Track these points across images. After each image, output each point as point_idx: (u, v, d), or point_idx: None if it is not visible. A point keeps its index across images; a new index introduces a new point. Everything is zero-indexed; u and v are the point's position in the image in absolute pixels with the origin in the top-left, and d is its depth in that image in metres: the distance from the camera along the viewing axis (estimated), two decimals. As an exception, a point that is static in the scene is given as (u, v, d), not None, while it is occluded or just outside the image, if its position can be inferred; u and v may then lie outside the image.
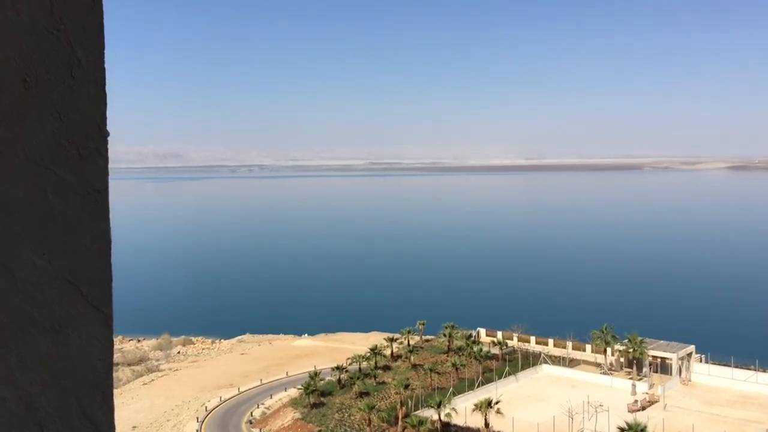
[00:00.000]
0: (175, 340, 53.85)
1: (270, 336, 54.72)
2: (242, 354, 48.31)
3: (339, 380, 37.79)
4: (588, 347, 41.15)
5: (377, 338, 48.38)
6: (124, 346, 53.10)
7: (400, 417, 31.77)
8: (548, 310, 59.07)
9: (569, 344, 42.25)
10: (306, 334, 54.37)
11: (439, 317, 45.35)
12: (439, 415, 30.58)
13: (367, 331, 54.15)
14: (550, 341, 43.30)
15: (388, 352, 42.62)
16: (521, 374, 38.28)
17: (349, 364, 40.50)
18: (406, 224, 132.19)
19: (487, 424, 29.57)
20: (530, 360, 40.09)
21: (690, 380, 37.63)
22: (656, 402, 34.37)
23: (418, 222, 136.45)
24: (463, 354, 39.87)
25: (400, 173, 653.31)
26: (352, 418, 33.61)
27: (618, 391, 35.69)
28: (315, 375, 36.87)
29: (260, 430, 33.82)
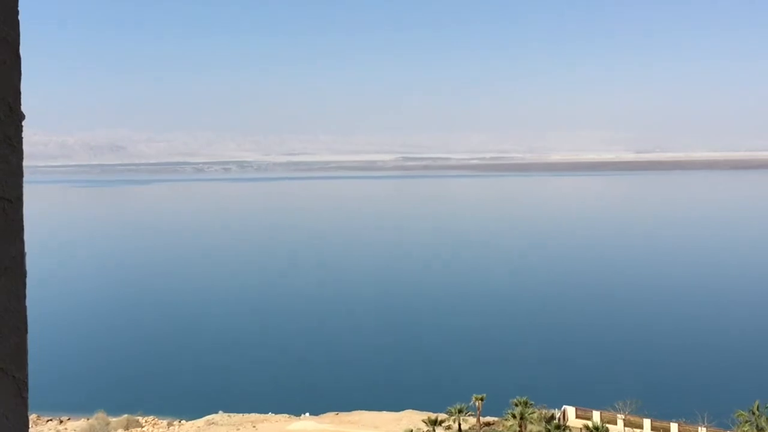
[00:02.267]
0: (114, 420, 53.65)
1: (253, 416, 54.60)
2: (213, 442, 47.58)
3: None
4: (732, 436, 40.96)
5: (412, 419, 48.48)
6: (40, 429, 52.80)
7: None
8: (671, 379, 58.09)
9: (702, 431, 41.69)
10: (307, 413, 54.43)
11: (505, 389, 44.76)
12: None
13: (397, 410, 54.02)
14: (674, 426, 42.85)
15: (429, 440, 42.16)
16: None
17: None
18: (455, 249, 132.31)
19: None
20: (644, 455, 39.37)
21: None
22: None
23: (473, 246, 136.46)
24: (541, 445, 38.93)
25: (447, 173, 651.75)
26: None
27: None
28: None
29: None
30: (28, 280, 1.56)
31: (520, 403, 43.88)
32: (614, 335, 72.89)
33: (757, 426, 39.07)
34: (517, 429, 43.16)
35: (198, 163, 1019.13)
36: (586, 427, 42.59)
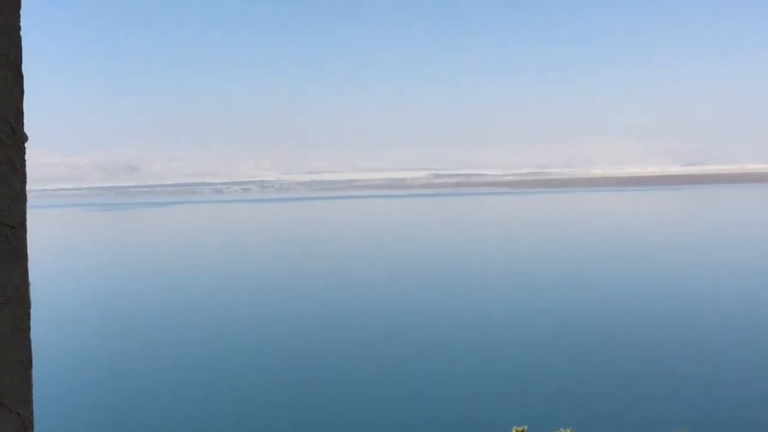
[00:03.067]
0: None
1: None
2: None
3: None
4: None
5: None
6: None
7: None
8: (731, 410, 55.42)
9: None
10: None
11: (550, 420, 41.73)
12: None
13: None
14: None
15: None
16: None
17: None
18: (502, 274, 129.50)
19: None
20: None
21: None
22: None
23: (514, 271, 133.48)
24: None
25: (482, 190, 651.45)
26: None
27: None
28: None
29: None
30: (34, 311, 1.51)
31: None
32: (676, 364, 69.64)
33: None
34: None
35: (216, 184, 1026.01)
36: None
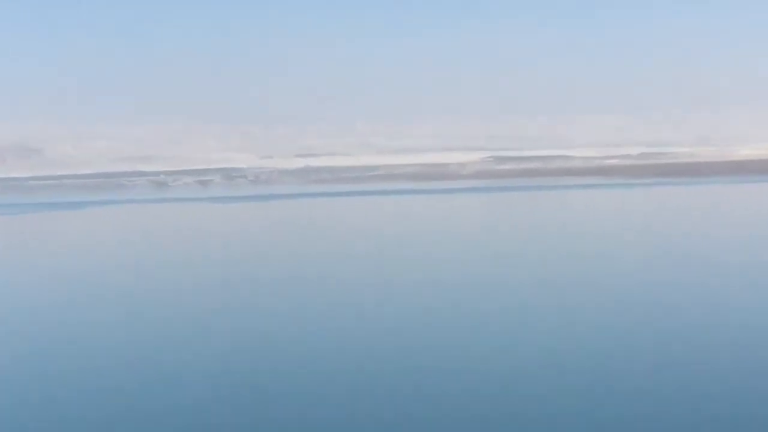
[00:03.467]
0: None
1: None
2: None
3: None
4: None
5: None
6: None
7: None
8: None
9: None
10: None
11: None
12: None
13: None
14: None
15: None
16: None
17: None
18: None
19: None
20: None
21: None
22: None
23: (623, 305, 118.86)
24: None
25: (570, 181, 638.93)
26: None
27: None
28: None
29: None
30: None
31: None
32: None
33: None
34: None
35: (158, 173, 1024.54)
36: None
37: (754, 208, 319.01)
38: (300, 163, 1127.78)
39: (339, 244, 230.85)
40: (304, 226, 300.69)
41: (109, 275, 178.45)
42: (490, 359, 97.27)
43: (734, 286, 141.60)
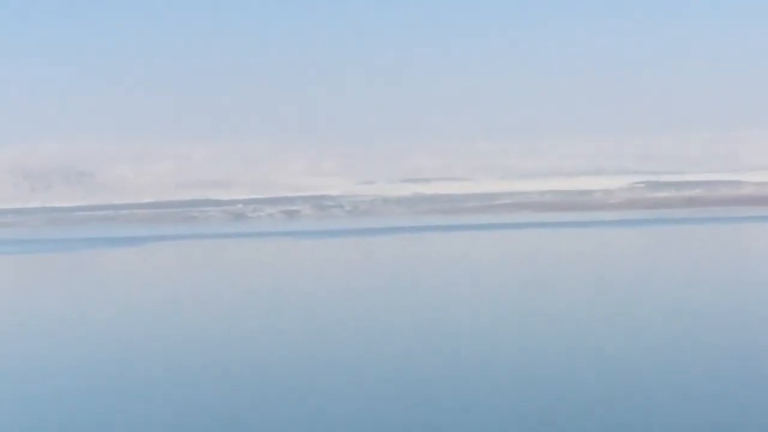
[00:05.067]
0: None
1: None
2: None
3: None
4: None
5: None
6: None
7: None
8: None
9: None
10: None
11: None
12: None
13: None
14: None
15: None
16: None
17: None
18: None
19: None
20: None
21: None
22: None
23: None
24: None
25: (748, 211, 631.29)
26: None
27: None
28: None
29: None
30: None
31: None
32: None
33: None
34: None
35: (235, 202, 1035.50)
36: None
37: None
38: (408, 189, 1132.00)
39: (454, 289, 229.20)
40: (414, 267, 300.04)
41: (177, 326, 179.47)
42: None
43: None
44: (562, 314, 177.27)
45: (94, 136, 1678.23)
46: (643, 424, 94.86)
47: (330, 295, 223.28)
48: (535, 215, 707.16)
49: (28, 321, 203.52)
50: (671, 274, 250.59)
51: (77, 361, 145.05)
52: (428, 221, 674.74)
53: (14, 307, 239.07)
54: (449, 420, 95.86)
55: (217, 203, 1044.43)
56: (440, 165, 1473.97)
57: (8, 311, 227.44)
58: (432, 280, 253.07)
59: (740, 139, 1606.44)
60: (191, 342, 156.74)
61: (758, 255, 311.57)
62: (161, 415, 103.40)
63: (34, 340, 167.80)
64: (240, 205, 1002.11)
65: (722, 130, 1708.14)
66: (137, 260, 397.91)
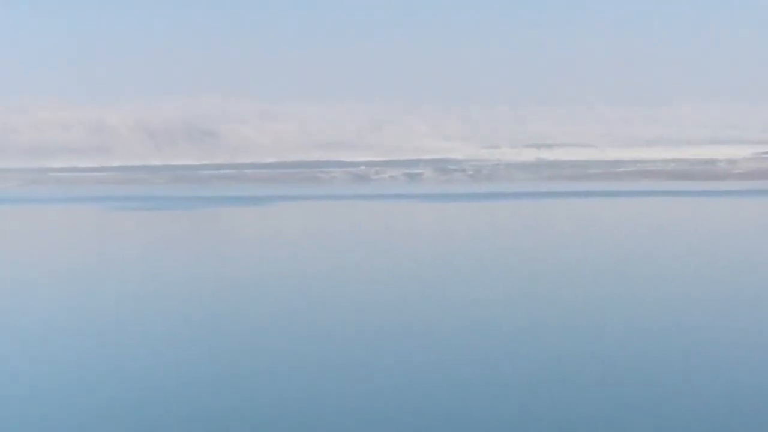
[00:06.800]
0: None
1: None
2: None
3: None
4: None
5: None
6: None
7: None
8: None
9: None
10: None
11: None
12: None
13: None
14: None
15: None
16: None
17: None
18: None
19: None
20: None
21: None
22: None
23: None
24: None
25: None
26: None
27: None
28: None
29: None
30: None
31: None
32: None
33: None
34: None
35: (358, 164, 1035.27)
36: None
37: None
38: (531, 155, 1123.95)
39: (576, 256, 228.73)
40: (536, 232, 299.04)
41: (297, 285, 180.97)
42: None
43: None
44: (677, 290, 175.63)
45: (217, 95, 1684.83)
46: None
47: (445, 261, 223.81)
48: (658, 183, 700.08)
49: (154, 279, 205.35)
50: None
51: (200, 323, 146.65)
52: (550, 187, 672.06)
53: (139, 265, 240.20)
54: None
55: (340, 164, 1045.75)
56: (564, 131, 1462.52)
57: (133, 269, 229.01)
58: (549, 248, 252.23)
59: None
60: (313, 304, 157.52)
61: None
62: (286, 372, 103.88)
63: (159, 299, 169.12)
64: (363, 167, 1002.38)
65: None
66: (260, 220, 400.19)
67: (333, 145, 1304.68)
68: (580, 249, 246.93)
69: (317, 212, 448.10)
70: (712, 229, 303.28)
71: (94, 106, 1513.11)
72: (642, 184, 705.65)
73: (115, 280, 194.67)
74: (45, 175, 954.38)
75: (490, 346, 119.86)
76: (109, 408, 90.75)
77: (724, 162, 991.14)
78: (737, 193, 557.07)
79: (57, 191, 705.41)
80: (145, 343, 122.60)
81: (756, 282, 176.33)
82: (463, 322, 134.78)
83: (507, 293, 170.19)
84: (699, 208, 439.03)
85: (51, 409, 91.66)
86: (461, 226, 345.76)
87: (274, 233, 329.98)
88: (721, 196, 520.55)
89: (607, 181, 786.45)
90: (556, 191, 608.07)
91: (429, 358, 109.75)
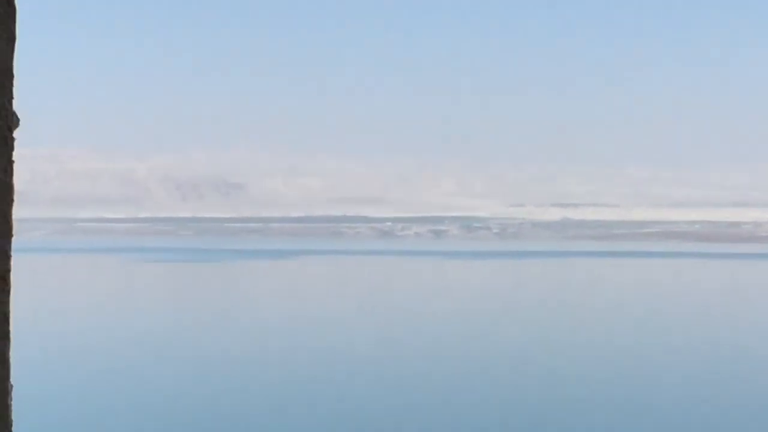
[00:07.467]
0: None
1: None
2: None
3: None
4: None
5: None
6: None
7: None
8: None
9: None
10: None
11: None
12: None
13: None
14: None
15: None
16: None
17: None
18: None
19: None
20: None
21: None
22: None
23: None
24: None
25: None
26: None
27: None
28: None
29: None
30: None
31: None
32: None
33: None
34: None
35: (384, 220, 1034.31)
36: None
37: None
38: (557, 214, 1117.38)
39: (597, 315, 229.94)
40: (561, 292, 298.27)
41: (320, 338, 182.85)
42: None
43: None
44: (701, 348, 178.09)
45: (244, 148, 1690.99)
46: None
47: (469, 318, 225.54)
48: (684, 245, 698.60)
49: (180, 330, 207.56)
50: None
51: (227, 372, 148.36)
52: (576, 246, 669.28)
53: (168, 316, 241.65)
54: None
55: (366, 220, 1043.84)
56: (590, 190, 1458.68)
57: (162, 320, 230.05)
58: (571, 307, 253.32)
59: None
60: (336, 357, 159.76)
61: None
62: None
63: (193, 350, 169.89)
64: (389, 223, 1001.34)
65: None
66: (288, 274, 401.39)
67: (359, 200, 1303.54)
68: (601, 309, 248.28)
69: (341, 267, 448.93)
70: (734, 291, 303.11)
71: (123, 157, 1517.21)
72: (667, 245, 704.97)
73: (145, 330, 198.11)
74: (72, 225, 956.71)
75: (510, 398, 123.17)
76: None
77: (750, 224, 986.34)
78: (761, 256, 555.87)
79: (84, 241, 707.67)
80: (174, 391, 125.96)
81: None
82: (484, 378, 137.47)
83: (528, 351, 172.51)
84: (722, 270, 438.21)
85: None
86: (486, 284, 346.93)
87: (295, 287, 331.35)
88: (744, 259, 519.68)
89: (633, 241, 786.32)
90: (580, 251, 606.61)
91: (451, 410, 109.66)
